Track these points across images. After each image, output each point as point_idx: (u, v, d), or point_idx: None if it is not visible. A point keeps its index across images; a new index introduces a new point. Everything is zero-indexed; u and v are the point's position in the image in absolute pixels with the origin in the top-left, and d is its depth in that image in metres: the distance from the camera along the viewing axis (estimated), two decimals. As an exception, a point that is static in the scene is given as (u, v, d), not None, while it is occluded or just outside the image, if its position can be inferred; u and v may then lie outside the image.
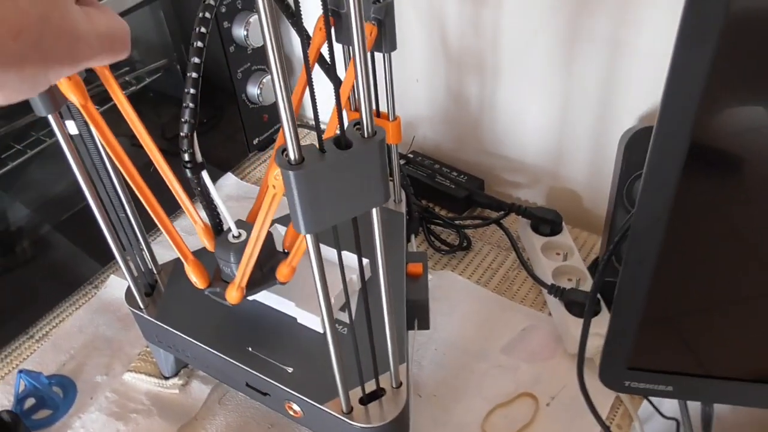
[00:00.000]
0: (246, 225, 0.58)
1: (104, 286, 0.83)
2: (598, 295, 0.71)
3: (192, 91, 0.49)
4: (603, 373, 0.44)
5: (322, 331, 0.59)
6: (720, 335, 0.41)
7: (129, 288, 0.63)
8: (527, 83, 0.81)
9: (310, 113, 1.10)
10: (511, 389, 0.68)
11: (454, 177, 0.89)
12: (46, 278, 0.78)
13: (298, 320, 0.60)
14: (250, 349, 0.58)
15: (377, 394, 0.54)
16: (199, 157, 0.52)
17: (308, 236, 0.40)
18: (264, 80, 0.93)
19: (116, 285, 0.83)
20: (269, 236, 0.56)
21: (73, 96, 0.47)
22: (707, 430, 0.53)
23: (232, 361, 0.58)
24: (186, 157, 0.52)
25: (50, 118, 0.49)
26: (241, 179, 0.98)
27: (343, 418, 0.52)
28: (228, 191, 0.96)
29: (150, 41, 0.86)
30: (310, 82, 0.37)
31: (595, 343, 0.68)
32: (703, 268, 0.38)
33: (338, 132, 0.37)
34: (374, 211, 0.41)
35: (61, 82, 0.46)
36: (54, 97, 0.48)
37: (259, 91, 0.93)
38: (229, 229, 0.57)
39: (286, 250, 0.59)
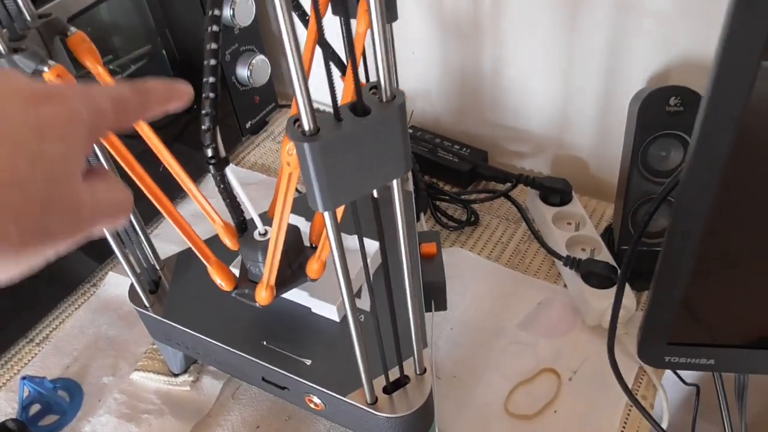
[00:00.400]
0: (271, 221, 0.53)
1: (103, 284, 0.80)
2: (615, 265, 0.69)
3: (211, 79, 0.45)
4: (642, 350, 0.42)
5: (338, 320, 0.57)
6: (765, 304, 0.39)
7: (132, 286, 0.60)
8: (529, 48, 0.79)
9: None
10: (532, 366, 0.67)
11: (457, 150, 0.86)
12: (42, 280, 0.75)
13: (313, 310, 0.58)
14: (264, 342, 0.56)
15: (401, 382, 0.52)
16: (222, 152, 0.48)
17: (326, 214, 0.36)
18: (253, 61, 0.89)
19: (115, 282, 0.80)
20: (296, 230, 0.54)
21: None
22: (741, 399, 0.52)
23: (246, 356, 0.56)
24: (209, 152, 0.48)
25: None
26: (236, 165, 0.94)
27: (368, 409, 0.51)
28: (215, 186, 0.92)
29: (132, 27, 0.82)
30: (320, 30, 0.34)
31: (615, 313, 0.66)
32: (752, 239, 0.36)
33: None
34: (395, 182, 0.38)
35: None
36: None
37: (249, 73, 0.90)
38: (255, 226, 0.54)
39: (313, 245, 0.56)
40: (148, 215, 0.86)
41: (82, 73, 0.49)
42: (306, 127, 0.32)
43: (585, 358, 0.67)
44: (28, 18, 0.46)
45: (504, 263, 0.77)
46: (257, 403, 0.66)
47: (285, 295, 0.59)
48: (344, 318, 0.57)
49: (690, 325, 0.40)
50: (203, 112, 0.46)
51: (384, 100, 0.34)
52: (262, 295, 0.53)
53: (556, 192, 0.77)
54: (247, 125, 0.96)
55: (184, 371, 0.69)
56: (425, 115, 0.94)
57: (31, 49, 0.44)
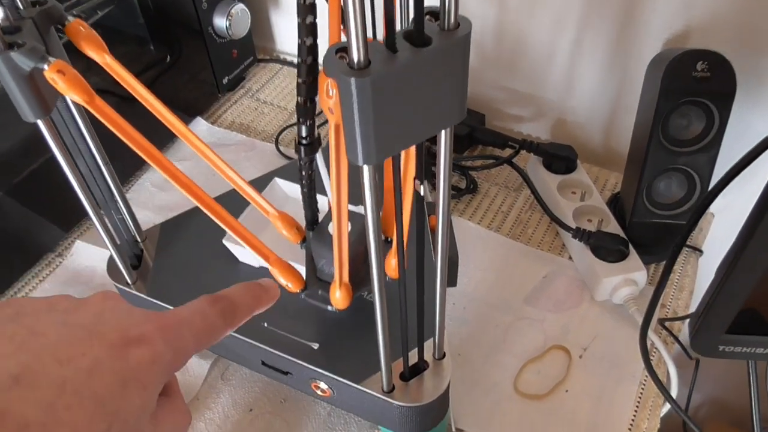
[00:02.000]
0: (350, 213, 0.46)
1: (69, 253, 0.73)
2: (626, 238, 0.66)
3: (308, 41, 0.37)
4: (697, 340, 0.39)
5: (346, 300, 0.52)
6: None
7: (111, 261, 0.54)
8: (533, 2, 0.73)
9: (284, 46, 0.99)
10: (540, 342, 0.64)
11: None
12: (1, 250, 0.68)
13: (318, 288, 0.53)
14: (265, 324, 0.51)
15: (420, 368, 0.48)
16: (316, 131, 0.41)
17: (366, 169, 0.30)
18: (233, 10, 0.82)
19: (84, 252, 0.73)
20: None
21: (76, 96, 0.38)
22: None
23: (245, 339, 0.50)
24: (303, 130, 0.41)
25: (40, 123, 0.41)
26: (213, 124, 0.87)
27: (383, 397, 0.46)
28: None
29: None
30: None
31: (627, 291, 0.64)
32: None
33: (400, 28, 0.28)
34: (444, 133, 0.32)
35: (57, 81, 0.37)
36: (44, 99, 0.38)
37: (227, 24, 0.82)
38: (328, 218, 0.47)
39: (388, 238, 0.50)
40: (126, 177, 0.79)
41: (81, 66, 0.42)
42: (355, 58, 0.26)
43: (595, 335, 0.64)
44: (21, 6, 0.39)
45: (505, 233, 0.73)
46: (249, 385, 0.61)
47: (287, 272, 0.54)
48: (354, 298, 0.53)
49: (752, 315, 0.37)
50: (298, 80, 0.38)
51: (446, 28, 0.28)
52: (337, 297, 0.47)
53: (561, 159, 0.73)
54: (224, 81, 0.89)
55: (167, 350, 0.63)
56: None
57: (29, 45, 0.37)
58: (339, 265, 0.44)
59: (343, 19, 0.26)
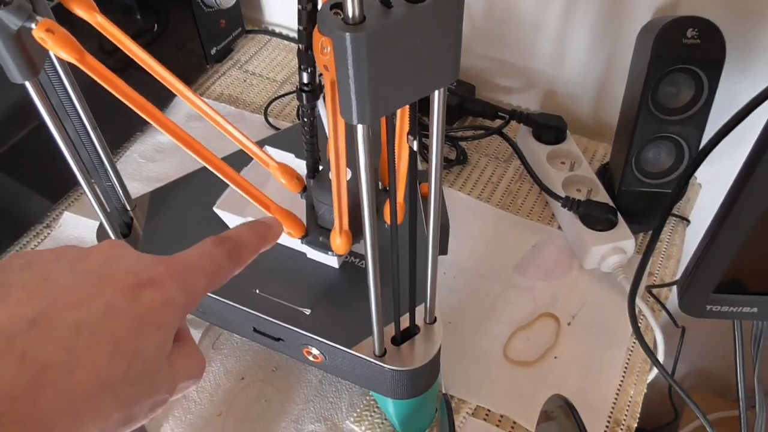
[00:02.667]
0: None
1: (57, 225, 0.72)
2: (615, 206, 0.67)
3: None
4: (684, 299, 0.39)
5: (337, 266, 0.52)
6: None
7: (101, 229, 0.54)
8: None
9: (272, 18, 0.98)
10: (529, 310, 0.64)
11: (443, 84, 0.81)
12: (-11, 221, 0.67)
13: (308, 255, 0.53)
14: (257, 291, 0.51)
15: (411, 332, 0.48)
16: (317, 78, 0.41)
17: (360, 128, 0.30)
18: (220, -21, 0.81)
19: (72, 223, 0.72)
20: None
21: (66, 55, 0.37)
22: (758, 346, 0.50)
23: (237, 305, 0.50)
24: (305, 77, 0.40)
25: (28, 85, 0.40)
26: (201, 96, 0.86)
27: (375, 361, 0.47)
28: (189, 110, 0.84)
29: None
30: None
31: (615, 259, 0.65)
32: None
33: None
34: (438, 93, 0.32)
35: (46, 40, 0.36)
36: (32, 60, 0.37)
37: (215, -8, 0.81)
38: (328, 167, 0.47)
39: (386, 187, 0.50)
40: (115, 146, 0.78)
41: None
42: (350, 13, 0.26)
43: (583, 303, 0.65)
44: None
45: (495, 204, 0.73)
46: (240, 353, 0.62)
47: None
48: (344, 264, 0.53)
49: (738, 275, 0.38)
50: (299, 27, 0.38)
51: None
52: (338, 243, 0.47)
53: (550, 129, 0.73)
54: (212, 52, 0.88)
55: (158, 320, 0.63)
56: None
57: (17, 3, 0.36)
58: (339, 212, 0.44)
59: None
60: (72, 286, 0.25)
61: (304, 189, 0.51)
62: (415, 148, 0.36)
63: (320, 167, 0.51)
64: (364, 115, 0.29)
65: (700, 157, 0.40)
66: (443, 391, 0.56)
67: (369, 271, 0.39)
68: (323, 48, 0.29)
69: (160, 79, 0.46)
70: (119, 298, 0.26)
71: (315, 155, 0.48)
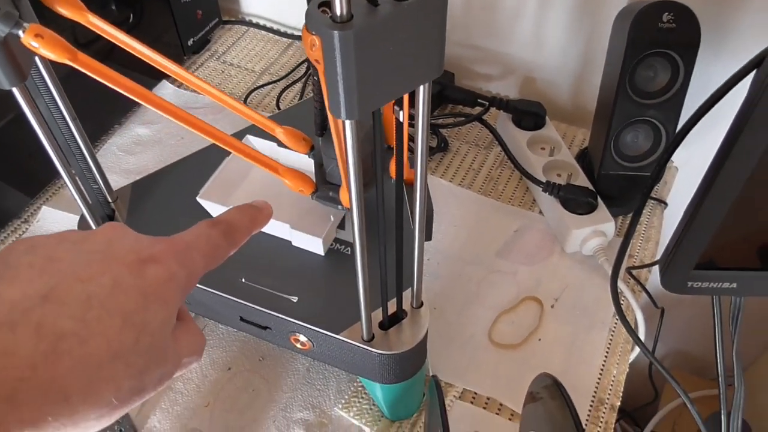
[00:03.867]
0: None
1: (36, 219, 0.71)
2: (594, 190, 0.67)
3: None
4: (667, 276, 0.40)
5: (323, 254, 0.53)
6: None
7: (83, 221, 0.53)
8: (503, -39, 0.73)
9: (249, 8, 0.97)
10: (513, 294, 0.65)
11: (422, 72, 0.81)
12: (-34, 216, 0.66)
13: (294, 243, 0.53)
14: (243, 280, 0.51)
15: (398, 317, 0.48)
16: None
17: (348, 124, 0.31)
18: (196, -32, 0.80)
19: (51, 217, 0.71)
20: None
21: (58, 57, 0.37)
22: (735, 322, 0.52)
23: (223, 294, 0.50)
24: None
25: (15, 91, 0.39)
26: (179, 87, 0.86)
27: (363, 346, 0.47)
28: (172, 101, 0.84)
29: None
30: None
31: (596, 242, 0.65)
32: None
33: None
34: (422, 88, 0.32)
35: (36, 46, 0.36)
36: (20, 66, 0.37)
37: (191, -18, 0.80)
38: None
39: (390, 146, 0.53)
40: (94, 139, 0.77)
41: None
42: (338, 12, 0.26)
43: (566, 286, 0.65)
44: None
45: (477, 190, 0.74)
46: (226, 344, 0.62)
47: (262, 229, 0.54)
48: (330, 252, 0.53)
49: (719, 250, 0.39)
50: None
51: None
52: (347, 197, 0.48)
53: (530, 115, 0.74)
54: (189, 43, 0.87)
55: (142, 313, 0.63)
56: None
57: (4, 10, 0.36)
58: (344, 166, 0.45)
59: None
60: (78, 264, 0.26)
61: (312, 148, 0.52)
62: (401, 119, 0.36)
63: (329, 126, 0.51)
64: (352, 111, 0.30)
65: (677, 139, 0.41)
66: (431, 374, 0.57)
67: (357, 256, 0.39)
68: (312, 44, 0.29)
69: (158, 66, 0.45)
70: (125, 273, 0.26)
71: (324, 114, 0.49)
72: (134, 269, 0.27)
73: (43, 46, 0.36)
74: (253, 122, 0.50)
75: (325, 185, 0.51)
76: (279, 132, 0.50)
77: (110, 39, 0.43)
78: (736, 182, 0.35)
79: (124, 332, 0.25)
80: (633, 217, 0.48)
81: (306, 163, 0.55)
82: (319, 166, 0.51)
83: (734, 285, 0.41)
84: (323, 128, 0.51)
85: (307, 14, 0.28)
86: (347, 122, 0.31)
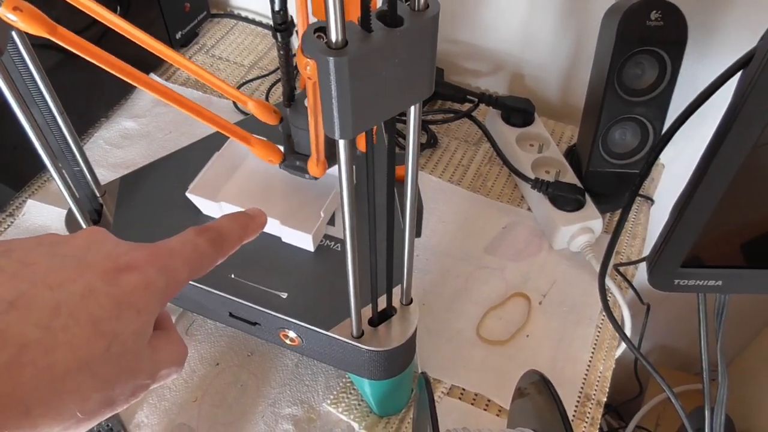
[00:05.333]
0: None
1: (21, 213, 0.71)
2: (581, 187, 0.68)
3: None
4: (654, 275, 0.40)
5: (313, 250, 0.53)
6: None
7: (70, 215, 0.53)
8: (493, -42, 0.74)
9: (238, 1, 0.97)
10: (501, 290, 0.65)
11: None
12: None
13: (284, 239, 0.53)
14: (232, 275, 0.51)
15: (387, 313, 0.49)
16: (288, 15, 0.45)
17: (341, 143, 0.32)
18: (185, -39, 0.79)
19: (36, 211, 0.71)
20: None
21: (37, 30, 0.36)
22: (720, 317, 0.52)
23: (212, 290, 0.50)
24: (278, 18, 0.44)
25: None
26: (167, 81, 0.85)
27: (353, 343, 0.47)
28: (153, 96, 0.83)
29: None
30: None
31: (584, 238, 0.66)
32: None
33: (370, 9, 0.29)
34: (414, 108, 0.34)
35: (14, 19, 0.35)
36: None
37: (179, -25, 0.80)
38: (304, 94, 0.50)
39: None
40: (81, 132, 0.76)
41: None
42: (333, 38, 0.27)
43: (553, 282, 0.66)
44: None
45: (466, 186, 0.74)
46: (214, 339, 0.61)
47: (251, 223, 0.54)
48: (319, 248, 0.53)
49: (705, 249, 0.39)
50: None
51: (417, 9, 0.29)
52: (315, 168, 0.50)
53: (519, 112, 0.74)
54: (177, 36, 0.86)
55: (129, 308, 0.62)
56: None
57: None
58: (315, 137, 0.47)
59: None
60: (51, 269, 0.25)
61: (281, 121, 0.53)
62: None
63: (295, 95, 0.52)
64: (345, 131, 0.30)
65: (666, 137, 0.41)
66: (420, 371, 0.57)
67: (347, 252, 0.39)
68: (306, 65, 0.31)
69: (154, 51, 0.45)
70: (98, 280, 0.26)
71: (291, 84, 0.50)
72: (109, 276, 0.26)
73: (21, 20, 0.36)
74: (227, 95, 0.51)
75: (292, 155, 0.52)
76: (251, 105, 0.51)
77: (101, 21, 0.43)
78: (722, 182, 0.35)
79: (93, 341, 0.24)
80: (621, 215, 0.48)
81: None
82: (288, 137, 0.52)
83: (720, 283, 0.41)
84: (290, 99, 0.51)
85: (304, 39, 0.29)
86: (341, 141, 0.32)
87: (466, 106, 0.78)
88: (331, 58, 0.27)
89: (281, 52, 0.47)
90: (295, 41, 0.47)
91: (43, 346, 0.23)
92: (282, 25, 0.46)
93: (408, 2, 0.29)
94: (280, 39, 0.46)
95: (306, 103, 0.48)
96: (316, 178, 0.52)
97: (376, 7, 0.29)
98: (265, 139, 0.51)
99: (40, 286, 0.25)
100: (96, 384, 0.24)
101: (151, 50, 0.46)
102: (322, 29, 0.28)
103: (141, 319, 0.26)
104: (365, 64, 0.28)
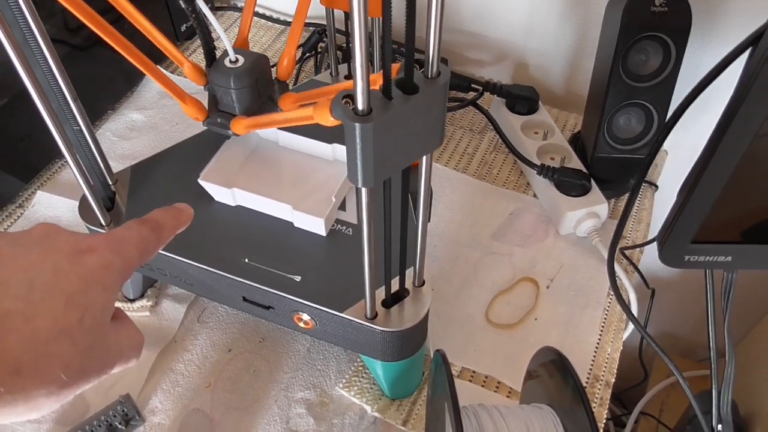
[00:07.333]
0: (242, 51, 0.53)
1: (31, 204, 0.71)
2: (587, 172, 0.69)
3: None
4: (665, 251, 0.41)
5: (325, 234, 0.53)
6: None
7: (84, 202, 0.53)
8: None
9: (237, -6, 0.97)
10: (509, 275, 0.66)
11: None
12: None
13: (295, 224, 0.54)
14: (246, 260, 0.51)
15: (400, 295, 0.49)
16: None
17: (364, 190, 0.36)
18: (190, -47, 0.79)
19: (46, 202, 0.71)
20: (265, 61, 0.53)
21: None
22: (728, 296, 0.53)
23: (226, 275, 0.51)
24: None
25: (14, 58, 0.40)
26: (172, 74, 0.86)
27: (367, 324, 0.48)
28: (159, 88, 0.83)
29: None
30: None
31: (590, 223, 0.67)
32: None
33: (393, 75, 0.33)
34: (425, 157, 0.38)
35: None
36: None
37: (184, -33, 0.80)
38: (225, 54, 0.52)
39: (281, 80, 0.55)
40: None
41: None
42: (360, 107, 0.31)
43: (560, 266, 0.67)
44: None
45: (472, 174, 0.75)
46: (226, 326, 0.62)
47: (264, 210, 0.55)
48: (331, 232, 0.54)
49: (715, 224, 0.40)
50: None
51: (430, 76, 0.33)
52: (239, 126, 0.53)
53: (524, 100, 0.75)
54: (182, 29, 0.87)
55: (141, 296, 0.63)
56: (375, 20, 0.88)
57: None
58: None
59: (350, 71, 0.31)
60: (17, 255, 0.28)
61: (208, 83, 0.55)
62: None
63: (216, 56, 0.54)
64: (367, 180, 0.34)
65: (670, 123, 0.42)
66: (436, 349, 0.57)
67: (363, 235, 0.40)
68: (329, 119, 0.38)
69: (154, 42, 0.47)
70: (64, 261, 0.28)
71: (210, 45, 0.52)
72: (72, 258, 0.28)
73: None
74: (167, 53, 0.52)
75: (216, 113, 0.54)
76: (186, 66, 0.52)
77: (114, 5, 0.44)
78: (732, 158, 0.36)
79: (69, 311, 0.27)
80: (629, 198, 0.49)
81: (322, 152, 0.57)
82: (212, 95, 0.54)
83: (729, 258, 0.42)
84: (211, 59, 0.53)
85: (333, 104, 0.34)
86: (363, 189, 0.36)
87: (471, 95, 0.78)
88: (358, 124, 0.31)
89: (193, 16, 0.49)
90: (200, 2, 0.48)
91: (24, 315, 0.26)
92: None
93: (422, 70, 0.33)
94: (184, 3, 0.48)
95: (226, 64, 0.52)
96: (237, 135, 0.54)
97: (395, 75, 0.33)
98: (196, 99, 0.54)
99: (10, 268, 0.27)
100: (75, 350, 0.27)
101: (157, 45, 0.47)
102: (349, 96, 0.32)
103: (106, 295, 0.29)
104: (386, 129, 0.32)
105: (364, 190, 0.36)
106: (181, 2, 0.48)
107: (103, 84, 0.79)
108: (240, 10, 0.95)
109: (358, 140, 0.32)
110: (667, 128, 0.42)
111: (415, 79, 0.33)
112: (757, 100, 0.33)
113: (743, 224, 0.41)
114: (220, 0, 0.96)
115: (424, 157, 0.39)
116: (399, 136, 0.33)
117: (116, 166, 0.73)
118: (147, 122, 0.80)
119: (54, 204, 0.71)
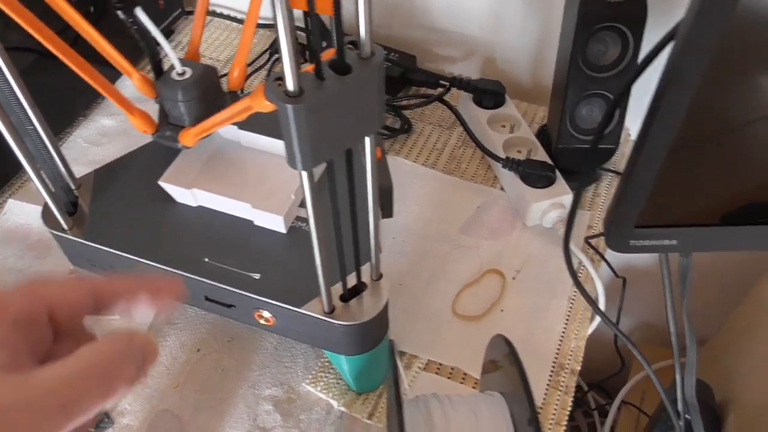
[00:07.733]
0: (190, 63, 0.53)
1: (2, 212, 0.72)
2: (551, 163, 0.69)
3: None
4: (610, 237, 0.41)
5: (285, 232, 0.54)
6: (730, 181, 0.40)
7: (46, 208, 0.54)
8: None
9: (208, -2, 0.97)
10: (476, 268, 0.67)
11: (384, 55, 0.82)
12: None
13: (255, 223, 0.54)
14: (206, 260, 0.52)
15: (358, 289, 0.50)
16: None
17: (304, 173, 0.36)
18: (155, -42, 0.80)
19: (17, 210, 0.72)
20: (213, 73, 0.54)
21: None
22: (684, 280, 0.53)
23: (187, 275, 0.51)
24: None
25: None
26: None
27: (325, 318, 0.48)
28: (130, 93, 0.84)
29: None
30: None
31: (555, 214, 0.67)
32: (733, 113, 0.35)
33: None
34: (368, 139, 0.38)
35: None
36: None
37: (151, -28, 0.80)
38: (172, 68, 0.52)
39: (232, 90, 0.56)
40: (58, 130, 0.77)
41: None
42: (290, 88, 0.31)
43: (527, 257, 0.67)
44: None
45: (440, 169, 0.75)
46: (195, 326, 0.63)
47: (223, 209, 0.55)
48: (291, 229, 0.54)
49: (656, 208, 0.40)
50: None
51: (364, 56, 0.33)
52: (187, 137, 0.53)
53: (490, 94, 0.76)
54: (152, 33, 0.87)
55: (111, 299, 0.63)
56: (348, 18, 0.88)
57: None
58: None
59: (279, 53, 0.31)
60: None
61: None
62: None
63: (164, 69, 0.54)
64: (306, 164, 0.34)
65: (610, 110, 0.43)
66: (396, 351, 0.58)
67: (311, 223, 0.40)
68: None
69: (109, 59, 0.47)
70: None
71: (156, 59, 0.53)
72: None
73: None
74: (118, 67, 0.52)
75: (166, 126, 0.55)
76: (135, 77, 0.53)
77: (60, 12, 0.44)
78: (663, 142, 0.36)
79: None
80: (579, 184, 0.49)
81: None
82: (162, 109, 0.55)
83: (675, 242, 0.42)
84: (159, 71, 0.53)
85: (266, 86, 0.33)
86: (305, 174, 0.36)
87: (439, 91, 0.79)
88: (290, 105, 0.31)
89: (134, 28, 0.50)
90: (140, 14, 0.49)
91: None
92: (120, 3, 0.48)
93: (356, 50, 0.33)
94: (122, 15, 0.49)
95: (174, 77, 0.52)
96: (187, 147, 0.55)
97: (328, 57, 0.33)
98: (145, 112, 0.55)
99: None
100: None
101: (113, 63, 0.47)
102: (281, 78, 0.31)
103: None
104: (319, 109, 0.32)
105: (305, 175, 0.36)
106: (120, 13, 0.48)
107: (74, 90, 0.79)
108: (212, 14, 0.95)
109: (291, 122, 0.32)
110: (606, 119, 0.43)
111: (349, 60, 0.33)
112: (680, 89, 0.34)
113: (686, 208, 0.41)
114: (191, 4, 0.97)
115: (369, 148, 0.39)
116: (334, 117, 0.33)
117: (86, 172, 0.74)
118: (118, 128, 0.80)
119: (25, 211, 0.71)
